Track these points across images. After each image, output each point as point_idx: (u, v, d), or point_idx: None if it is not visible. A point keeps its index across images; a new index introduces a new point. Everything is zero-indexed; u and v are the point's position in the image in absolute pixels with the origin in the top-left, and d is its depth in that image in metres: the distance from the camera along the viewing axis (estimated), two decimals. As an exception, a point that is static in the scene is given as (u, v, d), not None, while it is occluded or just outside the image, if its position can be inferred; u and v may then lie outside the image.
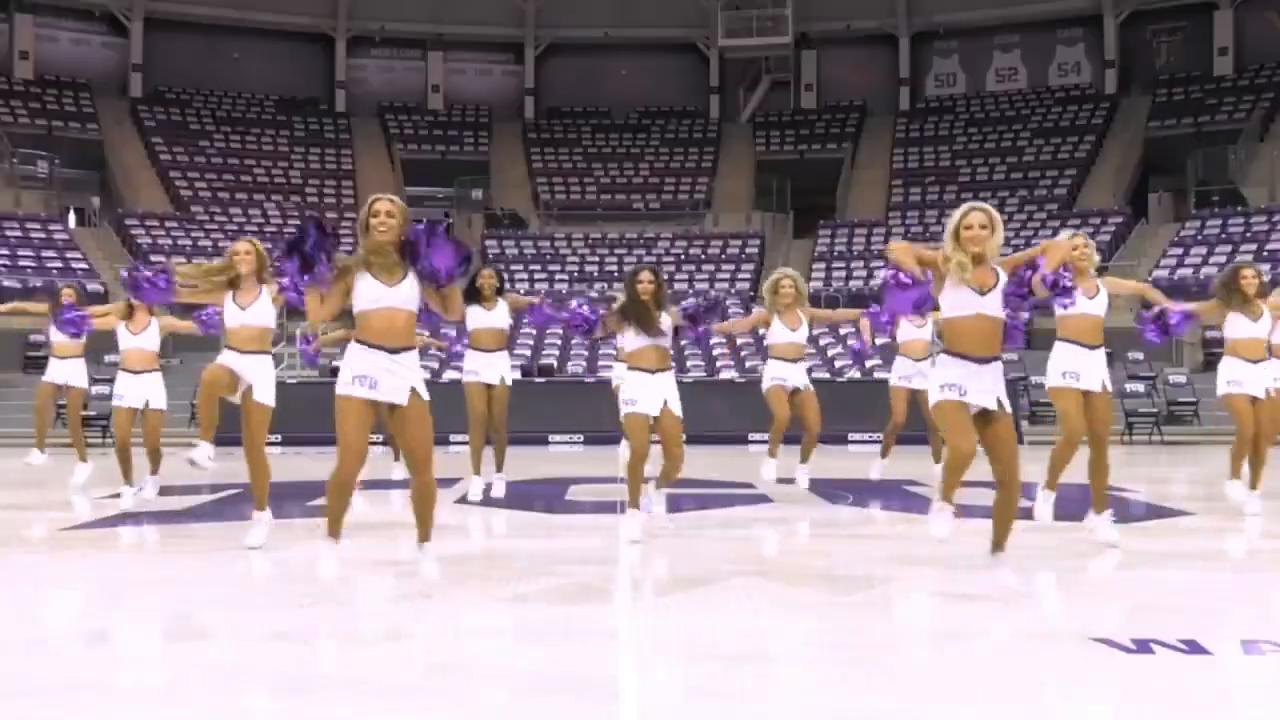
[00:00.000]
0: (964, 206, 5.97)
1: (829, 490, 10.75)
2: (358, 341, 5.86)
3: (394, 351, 5.83)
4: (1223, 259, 27.49)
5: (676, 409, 7.70)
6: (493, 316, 9.66)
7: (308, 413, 14.88)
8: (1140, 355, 23.56)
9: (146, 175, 34.65)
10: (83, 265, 29.03)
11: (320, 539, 6.07)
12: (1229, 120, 33.67)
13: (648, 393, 7.62)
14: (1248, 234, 28.63)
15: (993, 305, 5.91)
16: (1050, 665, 4.40)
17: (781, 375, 9.95)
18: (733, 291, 29.59)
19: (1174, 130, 34.37)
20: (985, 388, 5.94)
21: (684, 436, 7.90)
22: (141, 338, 9.42)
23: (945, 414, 6.00)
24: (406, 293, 5.85)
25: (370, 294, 5.82)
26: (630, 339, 7.72)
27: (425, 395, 5.90)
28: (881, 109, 38.79)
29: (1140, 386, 21.57)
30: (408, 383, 5.83)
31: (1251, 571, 6.99)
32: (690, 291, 29.25)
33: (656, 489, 8.22)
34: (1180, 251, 28.94)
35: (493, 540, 8.28)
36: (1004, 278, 5.93)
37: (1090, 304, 7.38)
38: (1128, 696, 3.96)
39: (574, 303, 8.01)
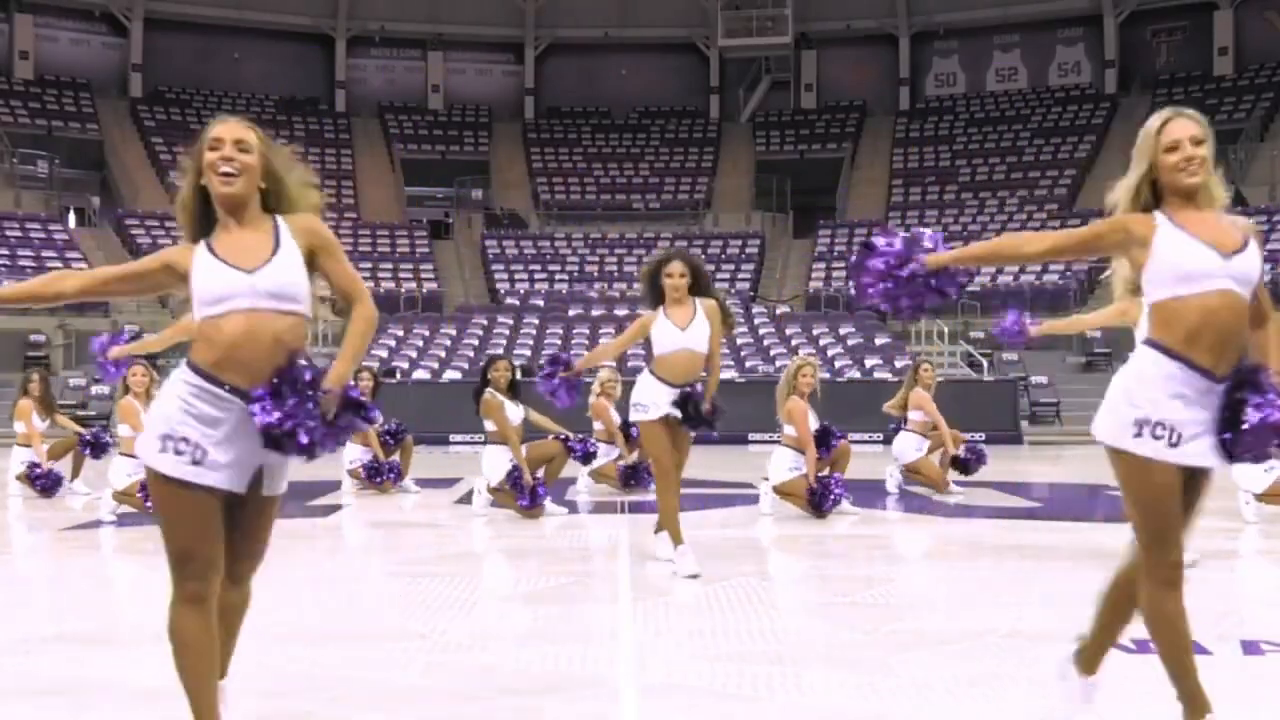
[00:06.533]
0: (1162, 114, 3.59)
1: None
2: (189, 367, 3.20)
3: (246, 392, 3.16)
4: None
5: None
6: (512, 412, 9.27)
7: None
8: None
9: (146, 175, 34.63)
10: (82, 265, 29.00)
11: None
12: (1229, 120, 33.67)
13: (664, 399, 6.46)
14: (1248, 234, 28.63)
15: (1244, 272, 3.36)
16: (1050, 665, 4.39)
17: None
18: (732, 291, 29.57)
19: (1174, 130, 34.36)
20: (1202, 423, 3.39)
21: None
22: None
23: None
24: (284, 275, 3.16)
25: (216, 285, 3.14)
26: (662, 336, 6.48)
27: (278, 490, 3.52)
28: (881, 109, 38.79)
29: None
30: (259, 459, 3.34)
31: (1251, 571, 6.99)
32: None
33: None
34: (1180, 251, 28.94)
35: (493, 540, 8.28)
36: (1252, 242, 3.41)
37: None
38: (1128, 696, 3.96)
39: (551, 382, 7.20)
